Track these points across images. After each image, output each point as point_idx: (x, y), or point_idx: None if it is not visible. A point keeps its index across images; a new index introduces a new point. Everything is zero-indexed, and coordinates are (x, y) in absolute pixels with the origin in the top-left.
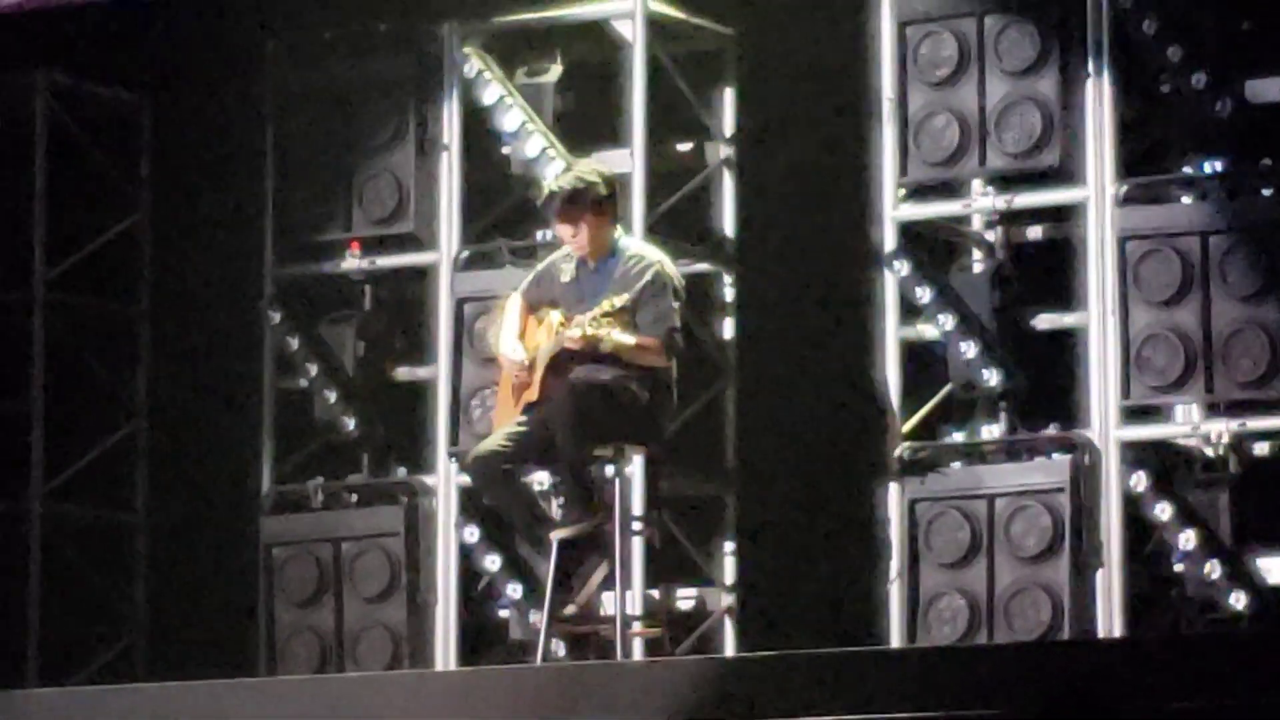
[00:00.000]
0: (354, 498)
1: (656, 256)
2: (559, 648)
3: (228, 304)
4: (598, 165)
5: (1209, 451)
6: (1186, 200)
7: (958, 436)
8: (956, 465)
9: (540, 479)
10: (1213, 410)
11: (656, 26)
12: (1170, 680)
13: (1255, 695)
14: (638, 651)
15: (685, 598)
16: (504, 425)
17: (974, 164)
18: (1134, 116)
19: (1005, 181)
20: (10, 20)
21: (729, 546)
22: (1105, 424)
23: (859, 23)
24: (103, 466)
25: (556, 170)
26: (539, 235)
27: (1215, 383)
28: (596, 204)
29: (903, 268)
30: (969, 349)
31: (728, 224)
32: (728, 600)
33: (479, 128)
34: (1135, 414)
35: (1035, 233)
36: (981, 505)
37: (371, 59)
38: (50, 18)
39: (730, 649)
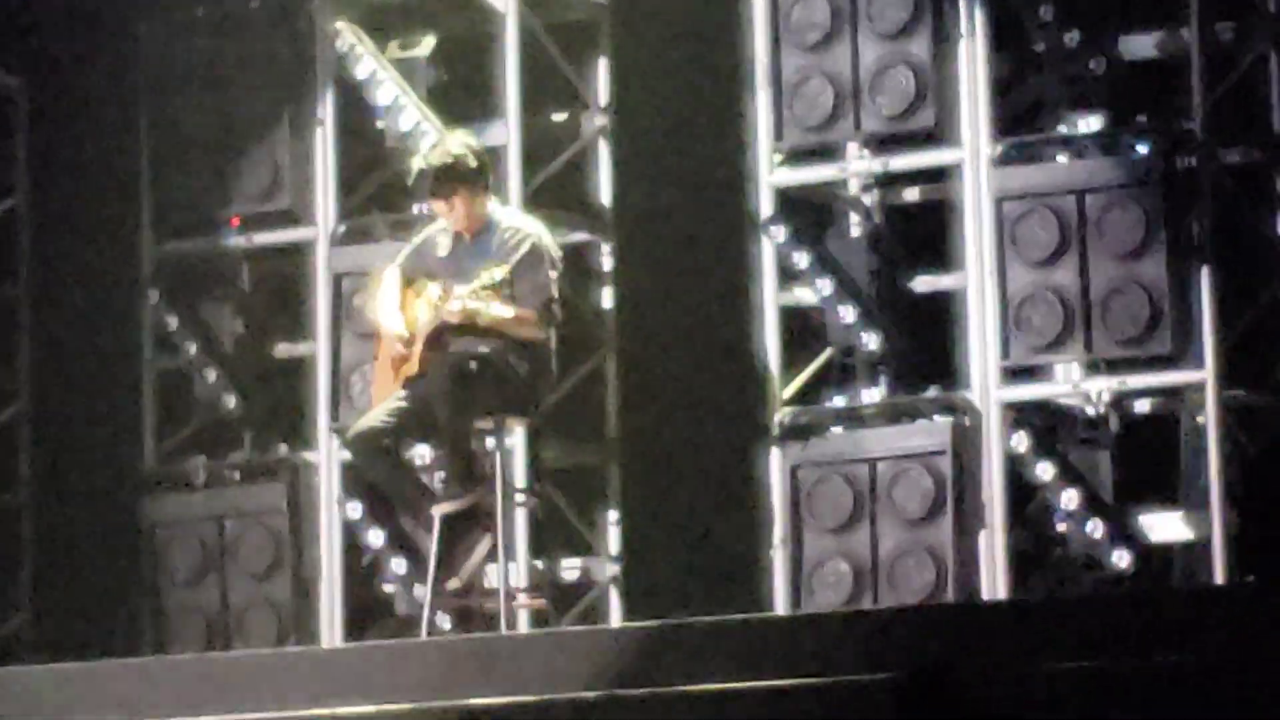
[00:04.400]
0: (237, 476)
1: (533, 228)
2: (444, 621)
3: (107, 284)
4: (466, 139)
5: (1090, 410)
6: (1062, 159)
7: (838, 401)
8: (837, 430)
9: (421, 453)
10: (1093, 369)
11: None
12: (1055, 640)
13: (1140, 654)
14: (523, 623)
15: (570, 569)
16: (384, 400)
17: (849, 127)
18: (1008, 76)
19: (881, 144)
20: None
21: (612, 516)
22: (985, 385)
23: None
24: None
25: (429, 145)
26: (416, 209)
27: (1095, 341)
28: (467, 177)
29: (780, 233)
30: (847, 313)
31: (604, 193)
32: (612, 570)
33: (353, 103)
34: (1015, 374)
35: (912, 195)
36: (863, 469)
37: (244, 36)
38: None
39: (616, 619)
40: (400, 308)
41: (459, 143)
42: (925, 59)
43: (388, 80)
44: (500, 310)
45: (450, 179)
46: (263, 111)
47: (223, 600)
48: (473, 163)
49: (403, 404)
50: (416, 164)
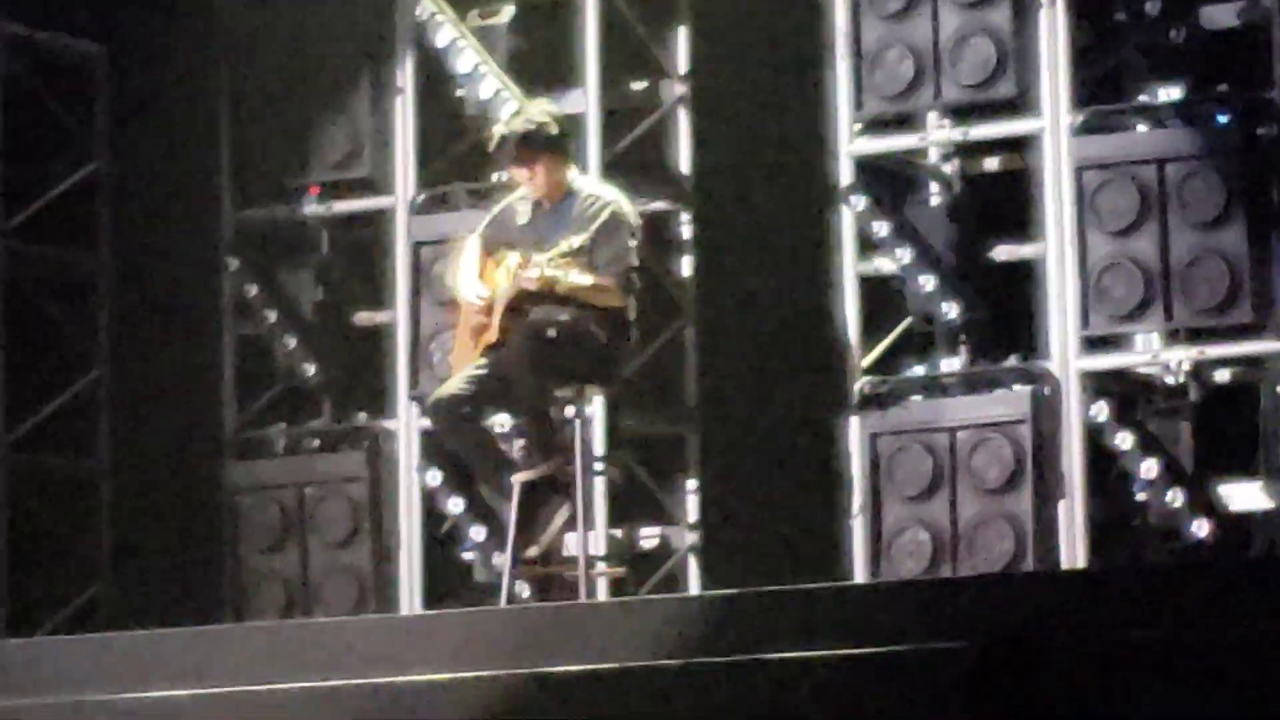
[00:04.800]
0: (316, 443)
1: (612, 195)
2: (523, 590)
3: (186, 251)
4: (548, 105)
5: (1169, 380)
6: (1143, 128)
7: (918, 370)
8: (917, 399)
9: (501, 421)
10: (1173, 338)
11: None
12: (1134, 610)
13: (1218, 623)
14: (602, 592)
15: (648, 537)
16: (463, 368)
17: (929, 96)
18: (1088, 45)
19: (961, 113)
20: None
21: (691, 485)
22: (1065, 354)
23: None
24: (65, 415)
25: (510, 112)
26: (495, 177)
27: (1175, 310)
28: (549, 144)
29: (860, 202)
30: (927, 282)
31: (684, 162)
32: (691, 538)
33: (433, 70)
34: (1095, 344)
35: (992, 164)
36: (943, 438)
37: (324, 3)
38: None
39: (694, 587)
40: (479, 276)
41: (541, 110)
42: (1005, 28)
43: (468, 48)
44: (579, 278)
45: (532, 146)
46: (342, 79)
47: (302, 567)
48: (554, 130)
49: (482, 371)
50: (498, 130)
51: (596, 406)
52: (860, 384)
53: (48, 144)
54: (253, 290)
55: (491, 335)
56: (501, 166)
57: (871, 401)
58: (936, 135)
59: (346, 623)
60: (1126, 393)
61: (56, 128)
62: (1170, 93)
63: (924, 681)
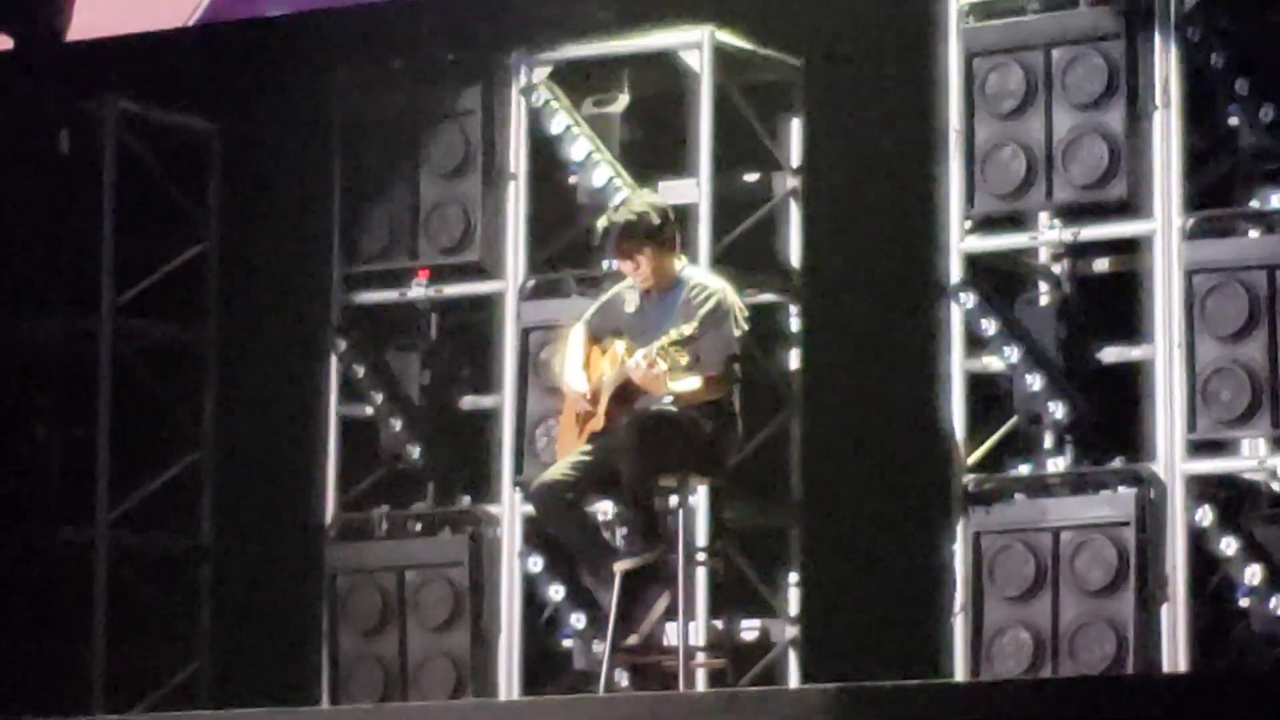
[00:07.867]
0: (418, 526)
1: (719, 285)
2: (622, 678)
3: (294, 331)
4: (651, 196)
5: (1275, 485)
6: (1254, 234)
7: (1023, 469)
8: (1021, 498)
9: (604, 509)
10: (1279, 445)
11: (724, 57)
12: (1235, 715)
13: None
14: (701, 683)
15: (749, 629)
16: (568, 455)
17: (1041, 196)
18: (1201, 149)
19: (1072, 214)
20: (82, 49)
21: (793, 577)
22: (1171, 457)
23: (926, 54)
24: (169, 494)
25: (616, 203)
26: (604, 265)
27: None
28: (651, 235)
29: (969, 299)
30: (1035, 381)
31: (794, 254)
32: (791, 632)
33: (546, 157)
34: (1201, 448)
35: (1102, 265)
36: (1046, 538)
37: (439, 88)
38: (121, 47)
39: (793, 681)
40: (586, 364)
41: (643, 200)
42: (1119, 130)
43: (581, 136)
44: (681, 388)
45: (634, 237)
46: (455, 164)
47: (401, 650)
48: (656, 220)
49: (586, 458)
50: (601, 223)
51: (700, 496)
52: (965, 481)
53: (159, 220)
54: (360, 372)
55: (597, 423)
56: (608, 256)
57: (976, 499)
58: (1047, 235)
59: (443, 707)
60: (1232, 498)
61: (168, 204)
62: None
63: None
